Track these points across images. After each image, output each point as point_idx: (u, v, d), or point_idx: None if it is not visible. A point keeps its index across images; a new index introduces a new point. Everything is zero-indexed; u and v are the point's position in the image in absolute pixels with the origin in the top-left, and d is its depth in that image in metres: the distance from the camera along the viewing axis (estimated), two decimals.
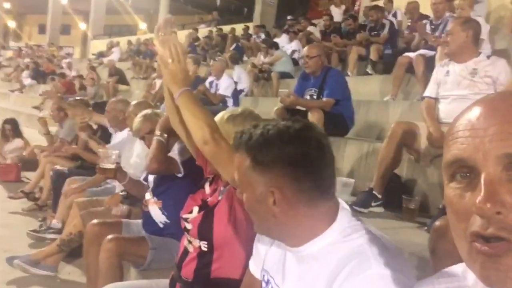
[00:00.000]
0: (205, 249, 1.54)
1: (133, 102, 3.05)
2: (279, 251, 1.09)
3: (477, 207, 0.51)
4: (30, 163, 5.33)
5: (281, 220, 0.96)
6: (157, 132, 2.17)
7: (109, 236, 2.12)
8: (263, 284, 1.13)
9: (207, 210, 1.57)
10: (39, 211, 4.34)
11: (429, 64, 4.16)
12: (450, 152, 0.56)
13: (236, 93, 6.83)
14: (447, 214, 0.58)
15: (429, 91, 2.88)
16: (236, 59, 7.71)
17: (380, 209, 2.60)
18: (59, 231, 3.35)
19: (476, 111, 0.56)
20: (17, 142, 5.43)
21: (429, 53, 4.44)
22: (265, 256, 1.14)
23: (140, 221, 2.44)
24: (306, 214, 0.95)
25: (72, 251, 3.02)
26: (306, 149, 0.95)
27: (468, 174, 0.54)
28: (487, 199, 0.50)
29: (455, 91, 2.70)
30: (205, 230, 1.53)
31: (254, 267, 1.20)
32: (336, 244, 0.93)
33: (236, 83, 6.57)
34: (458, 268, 0.70)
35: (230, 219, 1.50)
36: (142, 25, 21.10)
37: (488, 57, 2.71)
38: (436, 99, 2.80)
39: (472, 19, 2.96)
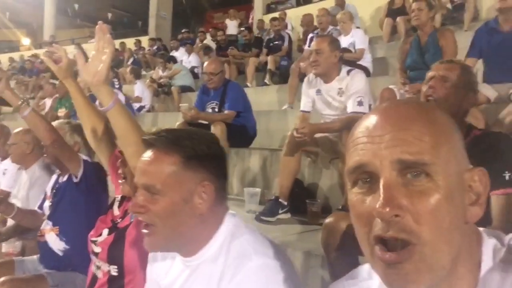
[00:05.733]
0: (115, 274, 1.48)
1: (14, 131, 2.78)
2: (166, 266, 1.11)
3: (377, 211, 0.54)
4: None
5: (202, 218, 0.99)
6: None
7: (0, 279, 1.90)
8: None
9: (117, 232, 1.51)
10: None
11: None
12: (352, 159, 0.60)
13: (137, 110, 6.62)
14: (351, 218, 0.61)
15: (304, 105, 2.98)
16: (138, 74, 7.48)
17: (287, 216, 2.69)
18: None
19: (373, 119, 0.60)
20: None
21: None
22: (158, 278, 1.14)
23: (35, 257, 2.23)
24: (216, 214, 1.02)
25: None
26: (222, 149, 1.06)
27: (368, 180, 0.58)
28: (386, 203, 0.54)
29: (328, 111, 2.85)
30: (115, 254, 1.48)
31: None
32: (223, 248, 0.99)
33: (128, 99, 6.29)
34: (365, 268, 0.74)
35: (143, 242, 1.44)
36: (25, 41, 19.40)
37: (348, 72, 2.78)
38: (311, 112, 2.94)
39: (335, 38, 3.13)
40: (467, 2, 5.70)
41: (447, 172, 0.56)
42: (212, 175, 1.01)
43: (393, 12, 6.34)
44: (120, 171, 1.50)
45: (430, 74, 1.70)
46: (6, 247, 2.45)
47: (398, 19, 6.03)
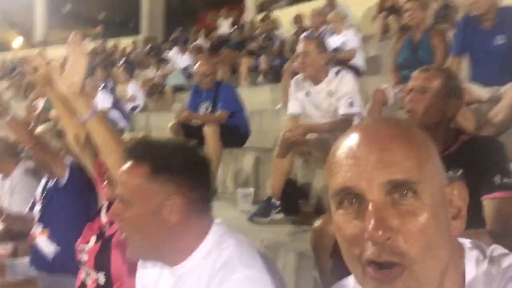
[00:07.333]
0: (103, 281, 1.47)
1: None
2: (155, 274, 1.10)
3: (369, 234, 0.54)
4: None
5: (176, 230, 0.97)
6: None
7: None
8: None
9: (104, 240, 1.50)
10: None
11: None
12: (336, 181, 0.58)
13: (131, 110, 6.59)
14: (338, 240, 0.60)
15: (292, 108, 2.93)
16: (131, 74, 7.45)
17: (280, 216, 2.69)
18: None
19: (355, 139, 0.59)
20: None
21: None
22: (148, 285, 1.13)
23: (27, 259, 2.22)
24: (194, 225, 1.00)
25: None
26: (203, 160, 1.04)
27: (354, 200, 0.57)
28: (377, 226, 0.53)
29: (317, 114, 2.83)
30: (102, 261, 1.47)
31: None
32: (208, 258, 0.98)
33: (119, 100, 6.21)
34: (350, 281, 0.73)
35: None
36: (17, 41, 19.23)
37: (337, 73, 2.76)
38: (300, 115, 2.91)
39: (323, 40, 3.12)
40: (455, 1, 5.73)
41: (432, 189, 0.56)
42: (185, 188, 0.98)
43: (384, 10, 6.37)
44: (105, 176, 1.49)
45: (409, 85, 1.65)
46: None
47: (390, 17, 6.05)
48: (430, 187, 0.56)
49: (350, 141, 0.59)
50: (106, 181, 1.50)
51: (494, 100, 2.77)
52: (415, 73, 1.66)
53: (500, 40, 2.84)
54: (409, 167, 0.55)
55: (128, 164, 1.00)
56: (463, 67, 3.14)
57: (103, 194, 1.61)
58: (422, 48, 3.39)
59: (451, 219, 0.59)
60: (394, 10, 6.29)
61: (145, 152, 0.99)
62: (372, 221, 0.53)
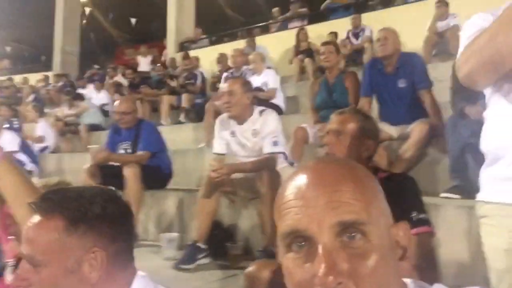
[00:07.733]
0: None
1: None
2: None
3: (320, 280, 0.52)
4: None
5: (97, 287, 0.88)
6: None
7: None
8: None
9: None
10: None
11: None
12: (285, 223, 0.57)
13: (40, 151, 6.11)
14: (287, 285, 0.58)
15: (217, 148, 2.92)
16: (41, 111, 6.93)
17: (207, 261, 2.59)
18: None
19: (303, 179, 0.58)
20: None
21: None
22: None
23: None
24: (116, 280, 0.92)
25: None
26: (124, 207, 0.96)
27: (303, 243, 0.56)
28: (328, 271, 0.52)
29: (243, 153, 2.84)
30: None
31: None
32: None
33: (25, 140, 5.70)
34: None
35: None
36: None
37: (261, 113, 2.81)
38: (225, 154, 2.90)
39: (247, 80, 3.18)
40: (365, 45, 6.27)
41: (380, 230, 0.57)
42: (106, 239, 0.90)
43: (300, 53, 6.75)
44: (11, 230, 1.33)
45: (326, 128, 1.72)
46: None
47: (306, 60, 6.40)
48: (377, 228, 0.56)
49: (298, 182, 0.58)
50: (14, 236, 1.33)
51: (403, 138, 3.00)
52: (332, 116, 1.73)
53: (401, 83, 3.12)
54: (357, 207, 0.55)
55: (36, 220, 0.88)
56: (373, 107, 3.37)
57: (8, 250, 1.43)
58: (337, 90, 3.60)
59: (398, 260, 0.59)
60: (309, 53, 6.69)
61: (58, 203, 0.88)
62: (323, 266, 0.52)
